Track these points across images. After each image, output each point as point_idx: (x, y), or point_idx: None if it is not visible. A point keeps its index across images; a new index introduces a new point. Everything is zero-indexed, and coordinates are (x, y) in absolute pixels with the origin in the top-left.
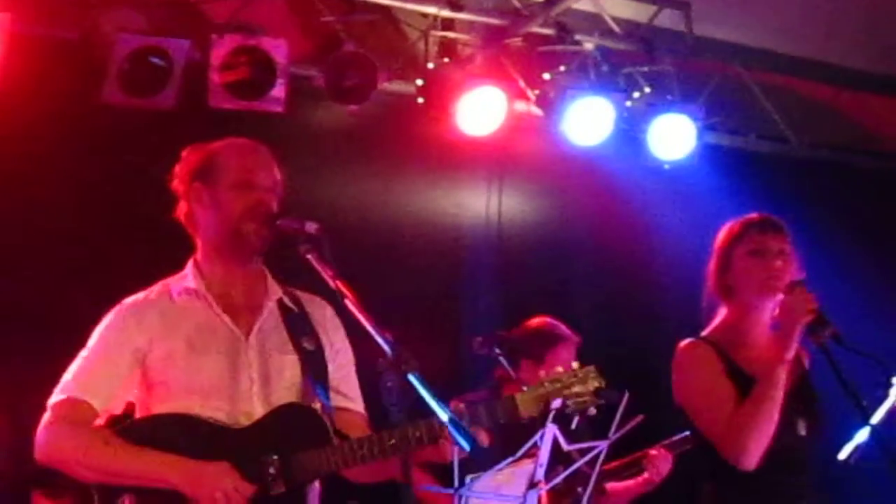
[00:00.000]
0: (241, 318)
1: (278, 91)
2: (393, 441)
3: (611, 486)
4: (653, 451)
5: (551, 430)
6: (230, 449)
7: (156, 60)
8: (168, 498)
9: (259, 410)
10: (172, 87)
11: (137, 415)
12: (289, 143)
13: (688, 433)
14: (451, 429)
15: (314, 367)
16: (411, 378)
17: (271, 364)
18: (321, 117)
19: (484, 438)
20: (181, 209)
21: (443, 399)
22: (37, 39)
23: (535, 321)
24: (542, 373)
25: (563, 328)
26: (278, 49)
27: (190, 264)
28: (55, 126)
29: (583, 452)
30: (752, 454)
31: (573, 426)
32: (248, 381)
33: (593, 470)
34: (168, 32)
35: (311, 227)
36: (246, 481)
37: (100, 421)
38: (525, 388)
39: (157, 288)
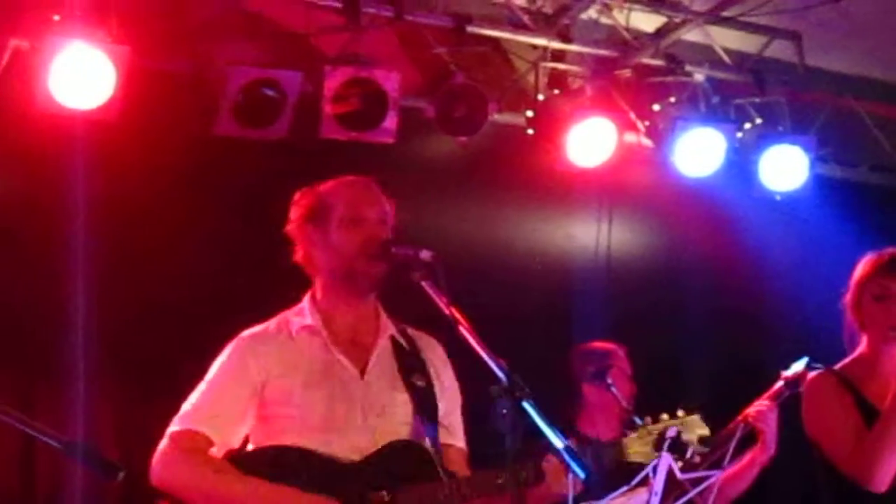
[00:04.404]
0: (355, 355)
1: (389, 122)
2: (500, 480)
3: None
4: (751, 411)
5: (666, 459)
6: (340, 483)
7: (269, 92)
8: None
9: (370, 447)
10: (285, 118)
11: (251, 446)
12: (399, 173)
13: (783, 380)
14: (566, 456)
15: (424, 405)
16: (525, 405)
17: (384, 401)
18: (431, 148)
19: None
20: (298, 253)
21: (557, 427)
22: (152, 72)
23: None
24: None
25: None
26: (390, 81)
27: (307, 299)
28: (170, 157)
29: (695, 482)
30: (881, 477)
31: (688, 455)
32: (360, 417)
33: (705, 500)
34: (281, 64)
35: (425, 254)
36: None
37: (215, 450)
38: (630, 434)
39: (276, 321)
